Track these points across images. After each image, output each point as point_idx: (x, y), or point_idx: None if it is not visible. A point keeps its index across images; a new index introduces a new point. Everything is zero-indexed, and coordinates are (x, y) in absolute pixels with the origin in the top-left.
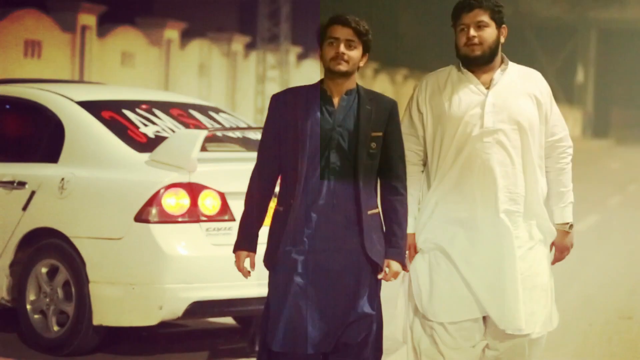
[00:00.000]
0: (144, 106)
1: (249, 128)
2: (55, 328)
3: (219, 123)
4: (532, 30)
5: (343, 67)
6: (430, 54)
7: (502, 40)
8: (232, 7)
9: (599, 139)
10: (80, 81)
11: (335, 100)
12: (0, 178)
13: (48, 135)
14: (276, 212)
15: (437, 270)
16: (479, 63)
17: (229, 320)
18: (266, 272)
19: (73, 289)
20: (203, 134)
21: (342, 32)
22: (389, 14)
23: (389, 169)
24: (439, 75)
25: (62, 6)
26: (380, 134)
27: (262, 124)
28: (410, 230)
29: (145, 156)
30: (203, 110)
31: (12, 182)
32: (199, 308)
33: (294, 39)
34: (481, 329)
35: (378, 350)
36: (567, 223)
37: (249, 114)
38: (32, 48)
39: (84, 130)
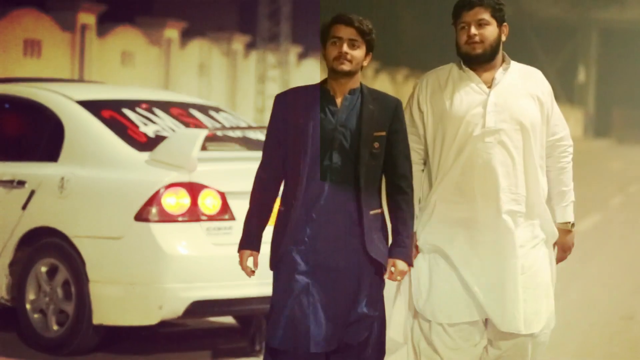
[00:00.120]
0: (144, 105)
1: (249, 127)
2: (55, 327)
3: (219, 122)
4: (533, 30)
5: (346, 66)
6: (431, 53)
7: (504, 38)
8: (232, 7)
9: (600, 139)
10: (80, 80)
11: (338, 100)
12: (0, 177)
13: (48, 134)
14: (279, 212)
15: (437, 271)
16: (480, 61)
17: (229, 319)
18: (267, 272)
19: (73, 289)
20: (203, 133)
21: (345, 32)
22: (389, 14)
23: (394, 168)
24: (439, 73)
25: (62, 5)
26: (383, 133)
27: (262, 124)
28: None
29: (145, 155)
30: (203, 109)
31: (11, 181)
32: (199, 307)
33: (294, 39)
34: (481, 330)
35: (380, 351)
36: (569, 222)
37: (249, 113)
38: (32, 47)
39: (83, 130)
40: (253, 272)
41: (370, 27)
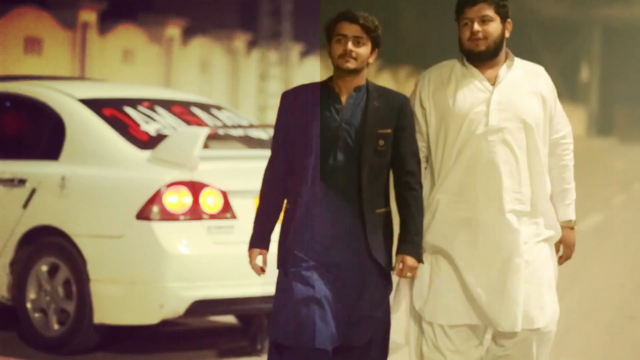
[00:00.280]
0: (145, 104)
1: (251, 126)
2: (56, 327)
3: (220, 121)
4: (536, 28)
5: (351, 64)
6: (434, 51)
7: (507, 35)
8: (233, 5)
9: (603, 138)
10: (81, 78)
11: (344, 98)
12: (1, 175)
13: (49, 132)
14: (285, 211)
15: (437, 272)
16: (483, 58)
17: (230, 319)
18: (269, 271)
19: (74, 288)
20: (205, 131)
21: (350, 29)
22: (391, 11)
23: (401, 166)
24: (441, 69)
25: (63, 3)
26: (389, 130)
27: (264, 122)
28: None
29: (146, 154)
30: (205, 107)
31: (12, 180)
32: (201, 307)
33: (295, 37)
34: (481, 333)
35: (384, 354)
36: (571, 220)
37: (251, 111)
38: (33, 45)
39: (84, 128)
40: (263, 270)
41: (375, 24)
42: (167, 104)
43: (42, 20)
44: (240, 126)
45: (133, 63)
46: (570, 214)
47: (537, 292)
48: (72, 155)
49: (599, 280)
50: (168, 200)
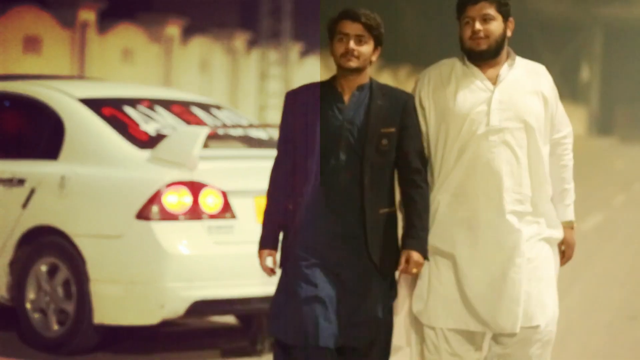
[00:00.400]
0: (145, 103)
1: (251, 126)
2: (55, 327)
3: (220, 120)
4: (537, 27)
5: (353, 63)
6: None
7: (509, 34)
8: (233, 4)
9: (603, 137)
10: (81, 77)
11: (346, 97)
12: (0, 175)
13: (48, 132)
14: (287, 210)
15: (437, 275)
16: (484, 57)
17: (230, 319)
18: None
19: (73, 288)
20: (205, 131)
21: (352, 28)
22: (391, 10)
23: (406, 164)
24: (441, 68)
25: (62, 2)
26: (392, 129)
27: (264, 121)
28: None
29: (146, 154)
30: (204, 107)
31: (11, 180)
32: (201, 307)
33: (295, 36)
34: (481, 336)
35: (385, 356)
36: (571, 221)
37: (251, 111)
38: (32, 44)
39: (84, 127)
40: (273, 271)
41: (377, 22)
42: (167, 104)
43: (42, 19)
44: (240, 126)
45: (132, 62)
46: (570, 215)
47: (537, 290)
48: (71, 155)
49: (599, 280)
50: (168, 200)
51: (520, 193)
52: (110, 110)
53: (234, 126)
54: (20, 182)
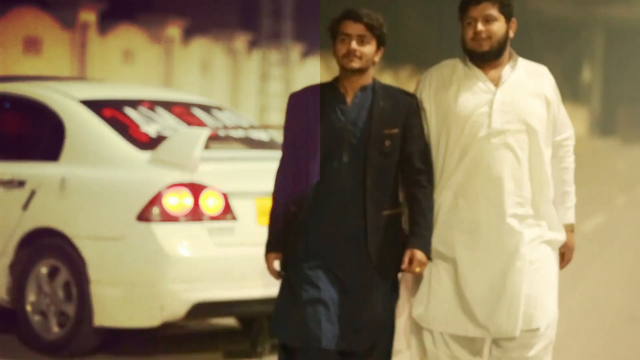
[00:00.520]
0: (145, 104)
1: (252, 127)
2: (56, 329)
3: (221, 122)
4: (538, 28)
5: (355, 63)
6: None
7: (511, 34)
8: (234, 5)
9: (605, 138)
10: (81, 78)
11: (349, 98)
12: (0, 177)
13: (48, 133)
14: (290, 212)
15: (437, 279)
16: (486, 58)
17: (230, 321)
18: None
19: (74, 290)
20: (205, 132)
21: (354, 28)
22: (392, 11)
23: (410, 165)
24: (443, 69)
25: (62, 3)
26: (395, 130)
27: (264, 122)
28: None
29: (147, 155)
30: (205, 108)
31: (11, 181)
32: (201, 309)
33: (296, 37)
34: (481, 341)
35: (386, 359)
36: (572, 224)
37: (252, 112)
38: (32, 45)
39: (84, 129)
40: (280, 275)
41: (380, 22)
42: (168, 105)
43: (42, 20)
44: (240, 127)
45: (133, 63)
46: (570, 218)
47: (538, 292)
48: (72, 157)
49: (600, 281)
50: (168, 201)
51: (521, 196)
52: (111, 112)
53: (234, 127)
54: (21, 183)
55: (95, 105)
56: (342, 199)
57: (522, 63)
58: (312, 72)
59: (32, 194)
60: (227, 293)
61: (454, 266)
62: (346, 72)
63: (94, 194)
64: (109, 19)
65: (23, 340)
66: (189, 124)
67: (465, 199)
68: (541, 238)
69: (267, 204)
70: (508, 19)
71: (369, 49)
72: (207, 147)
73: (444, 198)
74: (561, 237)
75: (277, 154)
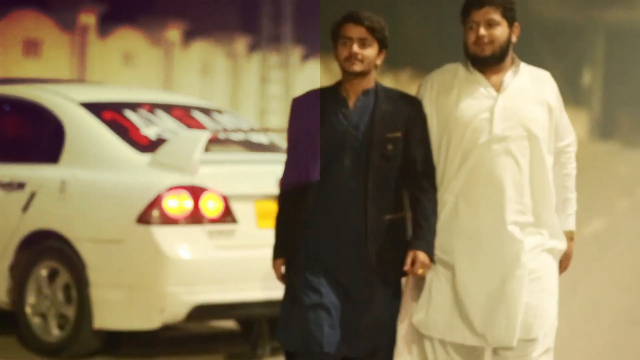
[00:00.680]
0: (145, 107)
1: (252, 130)
2: (55, 331)
3: (221, 124)
4: (539, 31)
5: (357, 67)
6: (436, 54)
7: (514, 39)
8: (234, 7)
9: (606, 142)
10: (81, 81)
11: (351, 102)
12: (0, 179)
13: (48, 136)
14: (292, 217)
15: (437, 285)
16: (488, 63)
17: (230, 323)
18: (269, 275)
19: (73, 292)
20: (205, 135)
21: (355, 31)
22: (393, 14)
23: (414, 168)
24: (444, 74)
25: (62, 6)
26: (398, 134)
27: (264, 125)
28: None
29: (147, 158)
30: (205, 111)
31: (11, 184)
32: (201, 311)
33: (297, 40)
34: (481, 349)
35: None
36: (572, 231)
37: (252, 114)
38: (32, 48)
39: (84, 131)
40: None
41: (381, 24)
42: (168, 108)
43: (42, 22)
44: (241, 130)
45: (133, 66)
46: (571, 225)
47: (538, 301)
48: (71, 159)
49: (601, 285)
50: (168, 204)
51: (522, 203)
52: (111, 114)
53: (234, 130)
54: (21, 186)
55: (95, 108)
56: (344, 203)
57: (525, 68)
58: (312, 74)
59: (32, 196)
60: (227, 295)
61: (454, 273)
62: (348, 75)
63: (94, 197)
64: (109, 22)
65: (23, 343)
66: (189, 126)
67: (466, 205)
68: (542, 246)
69: (267, 206)
70: (511, 24)
71: (371, 51)
72: (207, 149)
73: (444, 204)
74: (562, 245)
75: (277, 157)
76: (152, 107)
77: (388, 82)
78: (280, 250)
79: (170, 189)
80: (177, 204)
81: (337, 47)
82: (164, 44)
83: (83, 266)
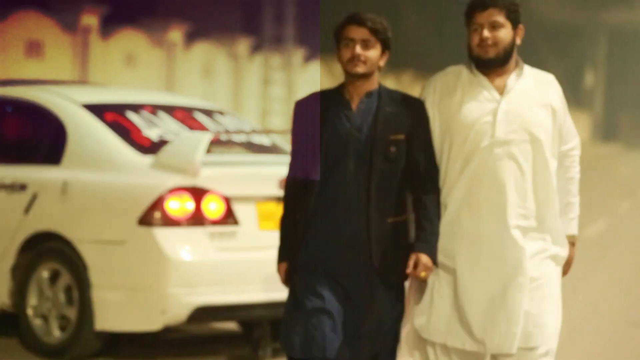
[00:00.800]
0: (147, 108)
1: (254, 131)
2: (57, 333)
3: (223, 126)
4: (541, 33)
5: (360, 68)
6: (438, 55)
7: (518, 41)
8: (236, 9)
9: (608, 143)
10: (83, 82)
11: (354, 104)
12: (2, 180)
13: (50, 137)
14: (294, 220)
15: (438, 290)
16: (492, 65)
17: (232, 325)
18: (270, 277)
19: (75, 293)
20: (207, 137)
21: (358, 33)
22: (394, 15)
23: (417, 171)
24: (447, 76)
25: (64, 7)
26: (401, 136)
27: (267, 127)
28: None
29: (148, 159)
30: (207, 112)
31: (13, 185)
32: (203, 313)
33: (299, 41)
34: (480, 354)
35: None
36: (574, 236)
37: (254, 116)
38: (34, 49)
39: (86, 133)
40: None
41: (384, 25)
42: (170, 109)
43: (44, 23)
44: (243, 131)
45: (135, 67)
46: (573, 229)
47: (538, 310)
48: (73, 160)
49: (604, 287)
50: (170, 205)
51: (524, 208)
52: (113, 116)
53: (236, 132)
54: (22, 187)
55: (97, 109)
56: (346, 206)
57: (529, 71)
58: (314, 76)
59: (34, 197)
60: (229, 297)
61: (455, 277)
62: (351, 77)
63: (96, 198)
64: (111, 23)
65: (24, 344)
66: (191, 128)
67: (468, 208)
68: (545, 253)
69: (269, 208)
70: (515, 26)
71: (374, 53)
72: (209, 151)
73: (446, 207)
74: (565, 252)
75: (279, 158)
76: (154, 108)
77: (390, 83)
78: (284, 254)
79: (172, 190)
80: (179, 206)
81: (340, 49)
82: (166, 45)
83: (84, 267)
